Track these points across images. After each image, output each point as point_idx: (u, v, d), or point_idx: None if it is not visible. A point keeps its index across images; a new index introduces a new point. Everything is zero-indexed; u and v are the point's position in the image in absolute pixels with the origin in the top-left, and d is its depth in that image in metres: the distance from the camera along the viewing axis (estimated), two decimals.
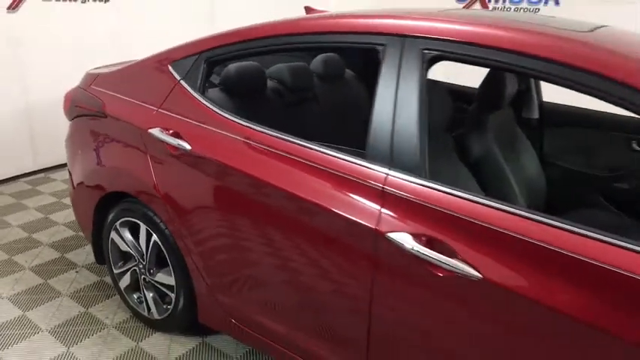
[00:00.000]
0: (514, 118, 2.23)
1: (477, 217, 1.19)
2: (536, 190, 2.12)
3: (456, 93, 2.38)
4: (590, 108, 2.24)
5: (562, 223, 1.11)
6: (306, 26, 1.61)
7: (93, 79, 2.24)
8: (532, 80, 2.31)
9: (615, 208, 2.14)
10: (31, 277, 2.54)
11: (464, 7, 5.12)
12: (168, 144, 1.80)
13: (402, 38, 1.38)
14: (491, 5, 5.11)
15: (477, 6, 5.14)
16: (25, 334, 2.13)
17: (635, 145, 2.21)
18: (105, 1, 4.09)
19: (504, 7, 5.08)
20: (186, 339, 2.13)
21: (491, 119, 1.95)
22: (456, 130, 1.97)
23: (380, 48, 1.41)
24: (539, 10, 4.97)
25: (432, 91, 1.60)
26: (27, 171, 3.85)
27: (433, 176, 1.31)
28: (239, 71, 2.01)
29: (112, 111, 2.05)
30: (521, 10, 5.02)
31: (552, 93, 2.13)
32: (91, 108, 2.15)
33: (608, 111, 1.81)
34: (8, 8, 3.54)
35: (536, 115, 2.40)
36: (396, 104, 1.36)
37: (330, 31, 1.56)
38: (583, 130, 2.33)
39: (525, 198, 1.87)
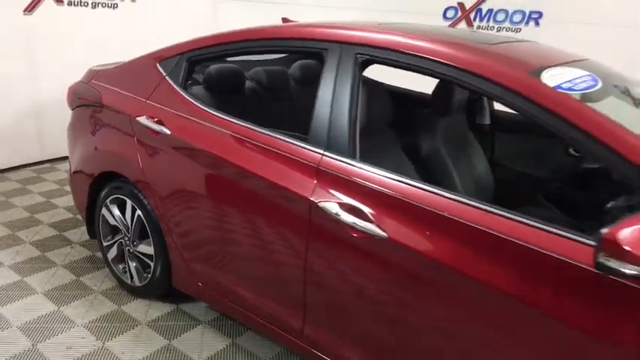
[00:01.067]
0: (466, 124, 2.50)
1: (388, 189, 1.47)
2: (485, 188, 2.38)
3: (419, 99, 2.68)
4: None
5: (450, 194, 1.39)
6: (269, 33, 1.92)
7: (94, 74, 2.56)
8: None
9: (555, 206, 2.41)
10: (31, 250, 2.84)
11: (449, 26, 5.44)
12: (151, 129, 2.10)
13: (340, 45, 1.68)
14: (476, 24, 5.42)
15: (463, 24, 5.45)
16: (22, 295, 2.42)
17: (571, 151, 2.49)
18: (113, 8, 4.45)
19: (488, 26, 5.38)
20: (162, 304, 2.41)
21: (442, 123, 2.22)
22: (412, 130, 2.25)
23: (324, 52, 1.72)
24: (520, 29, 5.26)
25: (376, 94, 1.90)
26: (34, 161, 4.17)
27: (367, 160, 1.58)
28: (218, 72, 2.32)
29: (107, 101, 2.37)
30: (504, 30, 5.32)
31: None
32: (90, 99, 2.47)
33: None
34: (25, 10, 3.89)
35: (487, 121, 2.68)
36: (333, 98, 1.66)
37: (287, 37, 1.87)
38: (530, 136, 2.60)
39: (472, 194, 2.12)
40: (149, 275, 2.34)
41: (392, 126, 2.01)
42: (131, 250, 2.39)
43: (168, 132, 2.04)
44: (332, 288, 1.65)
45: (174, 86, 2.13)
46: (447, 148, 2.20)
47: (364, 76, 1.71)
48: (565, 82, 1.39)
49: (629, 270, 0.98)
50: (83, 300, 2.42)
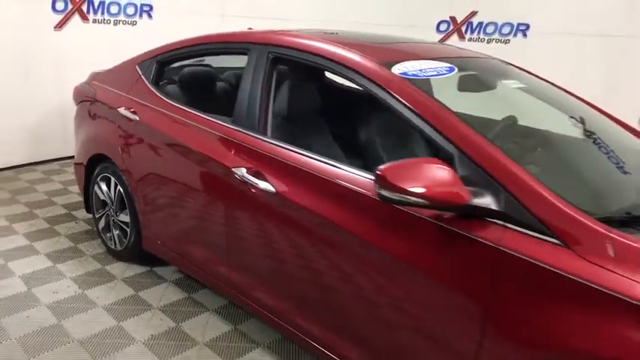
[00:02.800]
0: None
1: (278, 156, 1.88)
2: None
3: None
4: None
5: (320, 158, 1.77)
6: (214, 38, 2.40)
7: (94, 76, 3.11)
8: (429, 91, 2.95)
9: None
10: (42, 223, 3.39)
11: (442, 38, 5.77)
12: (127, 118, 2.59)
13: (258, 45, 2.11)
14: (467, 36, 5.73)
15: (455, 37, 5.77)
16: (27, 255, 2.94)
17: None
18: (133, 25, 5.08)
19: (479, 38, 5.68)
20: (138, 266, 2.87)
21: (377, 115, 2.59)
22: (351, 121, 2.63)
23: (247, 52, 2.15)
24: (509, 41, 5.54)
25: (307, 89, 2.30)
26: (59, 156, 4.80)
27: (293, 142, 1.92)
28: (190, 73, 2.81)
29: (100, 97, 2.89)
30: (494, 42, 5.60)
31: None
32: (88, 95, 3.01)
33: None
34: (55, 27, 4.56)
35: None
36: (250, 88, 2.08)
37: (226, 41, 2.33)
38: None
39: None
40: (126, 240, 2.81)
41: (330, 116, 2.38)
42: (114, 220, 2.87)
43: (138, 119, 2.53)
44: (242, 235, 2.06)
45: (146, 83, 2.62)
46: (383, 139, 2.56)
47: (330, 79, 2.09)
48: (414, 71, 1.76)
49: (387, 193, 1.34)
50: (75, 260, 2.92)
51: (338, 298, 1.76)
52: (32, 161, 4.66)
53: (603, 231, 1.23)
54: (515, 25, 5.48)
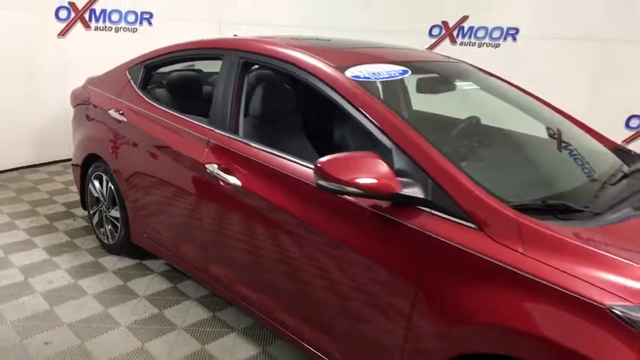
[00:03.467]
0: None
1: (244, 153, 2.04)
2: None
3: None
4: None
5: (279, 153, 1.93)
6: (194, 44, 2.58)
7: (89, 80, 3.32)
8: (399, 91, 3.10)
9: None
10: (43, 220, 3.60)
11: (434, 43, 5.91)
12: (116, 119, 2.79)
13: (230, 51, 2.29)
14: (459, 41, 5.86)
15: (447, 41, 5.91)
16: (26, 249, 3.14)
17: None
18: (133, 32, 5.31)
19: (470, 42, 5.81)
20: (129, 259, 3.06)
21: (330, 115, 2.71)
22: (328, 123, 2.79)
23: (222, 57, 2.33)
24: (499, 45, 5.66)
25: (272, 91, 2.46)
26: (62, 158, 5.02)
27: (266, 141, 2.08)
28: (177, 77, 3.00)
29: (93, 100, 3.09)
30: (485, 45, 5.72)
31: None
32: (83, 99, 3.21)
33: None
34: (59, 35, 4.80)
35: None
36: (224, 90, 2.26)
37: (203, 47, 2.51)
38: None
39: None
40: (117, 235, 3.00)
41: (293, 115, 2.55)
42: (107, 216, 3.07)
43: (126, 120, 2.72)
44: (215, 227, 2.23)
45: (134, 86, 2.81)
46: (336, 135, 2.70)
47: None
48: (367, 74, 1.91)
49: (325, 183, 1.49)
50: (71, 254, 3.11)
51: (292, 280, 1.92)
52: (37, 163, 4.89)
53: (512, 216, 1.38)
54: (505, 30, 5.59)
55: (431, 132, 1.64)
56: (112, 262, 3.04)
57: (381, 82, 2.00)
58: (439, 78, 2.28)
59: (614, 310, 1.16)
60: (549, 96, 5.11)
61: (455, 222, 1.45)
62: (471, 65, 2.60)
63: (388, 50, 2.41)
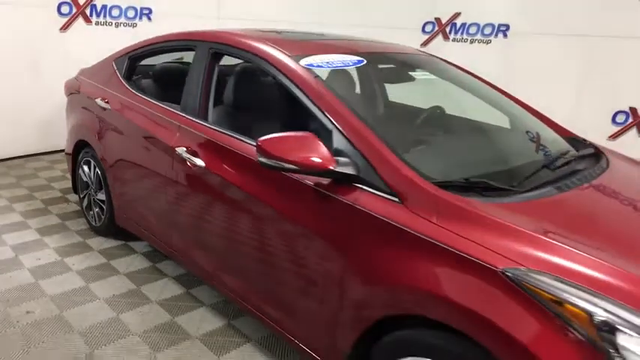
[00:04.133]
0: None
1: (207, 136, 2.19)
2: None
3: None
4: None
5: (238, 136, 2.08)
6: (170, 36, 2.74)
7: (81, 72, 3.49)
8: (376, 83, 3.22)
9: None
10: (38, 204, 3.79)
11: (427, 39, 6.00)
12: (102, 107, 2.96)
13: (201, 42, 2.44)
14: (451, 37, 5.94)
15: (440, 37, 6.00)
16: (19, 229, 3.33)
17: None
18: (133, 27, 5.49)
19: (462, 38, 5.89)
20: (114, 240, 3.23)
21: (285, 100, 2.80)
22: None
23: (194, 48, 2.48)
24: (490, 41, 5.73)
25: (246, 79, 2.60)
26: (63, 147, 5.22)
27: (218, 121, 2.27)
28: (162, 68, 3.16)
29: (83, 90, 3.27)
30: (476, 42, 5.80)
31: None
32: (74, 88, 3.39)
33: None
34: (60, 29, 5.00)
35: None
36: (195, 78, 2.41)
37: (179, 39, 2.66)
38: None
39: None
40: (104, 216, 3.17)
41: (255, 100, 2.64)
42: (94, 199, 3.24)
43: (110, 108, 2.89)
44: (184, 205, 2.38)
45: (119, 76, 2.98)
46: (288, 118, 2.79)
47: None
48: (320, 63, 2.05)
49: (265, 160, 1.63)
50: (61, 234, 3.30)
51: (245, 252, 2.07)
52: (40, 151, 5.10)
53: (430, 191, 1.51)
54: (497, 26, 5.67)
55: (374, 117, 1.77)
56: (98, 242, 3.22)
57: (359, 75, 2.13)
58: (395, 68, 2.40)
59: (506, 273, 1.28)
60: (538, 91, 5.22)
61: (381, 196, 1.58)
62: (434, 56, 2.72)
63: (350, 42, 2.53)
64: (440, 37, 6.00)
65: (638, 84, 4.68)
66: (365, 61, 2.19)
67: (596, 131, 5.01)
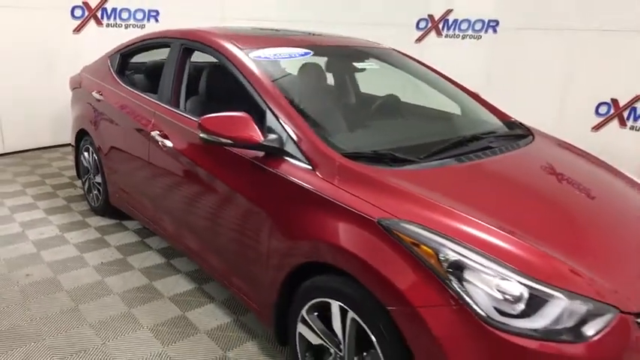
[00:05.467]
0: None
1: (175, 120, 2.51)
2: None
3: None
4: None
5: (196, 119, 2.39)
6: (152, 35, 3.08)
7: (84, 68, 3.88)
8: (347, 75, 3.47)
9: None
10: (48, 189, 4.21)
11: (420, 36, 6.22)
12: (97, 99, 3.32)
13: (175, 39, 2.76)
14: (444, 33, 6.14)
15: (433, 34, 6.20)
16: (29, 209, 3.74)
17: None
18: (141, 28, 5.89)
19: (454, 34, 6.08)
20: (110, 219, 3.60)
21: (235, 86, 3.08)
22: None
23: (170, 44, 2.81)
24: (481, 36, 5.91)
25: (210, 71, 2.90)
26: None
27: (190, 110, 2.60)
28: (152, 64, 3.51)
29: (83, 84, 3.65)
30: (467, 38, 5.98)
31: None
32: (77, 83, 3.78)
33: None
34: (74, 31, 5.44)
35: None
36: (170, 71, 2.73)
37: (158, 37, 3.00)
38: None
39: None
40: (101, 197, 3.55)
41: (225, 91, 2.92)
42: (93, 182, 3.62)
43: (102, 99, 3.25)
44: (159, 182, 2.71)
45: (112, 71, 3.34)
46: (236, 102, 3.07)
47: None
48: (267, 55, 2.34)
49: (205, 136, 1.93)
50: (64, 214, 3.69)
51: (198, 213, 2.39)
52: (55, 144, 5.56)
53: (336, 159, 1.78)
54: (487, 22, 5.84)
55: (309, 101, 2.07)
56: (95, 220, 3.59)
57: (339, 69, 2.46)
58: (342, 60, 2.67)
59: (380, 223, 1.55)
60: (526, 84, 5.37)
61: (299, 166, 1.86)
62: (388, 48, 2.98)
63: (305, 37, 2.81)
64: (433, 33, 6.20)
65: (621, 76, 4.79)
66: (312, 53, 2.47)
67: (580, 122, 5.15)
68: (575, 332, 1.37)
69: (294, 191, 1.84)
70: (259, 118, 2.02)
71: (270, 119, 2.01)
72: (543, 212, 1.73)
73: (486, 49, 5.87)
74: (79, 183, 4.33)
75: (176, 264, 2.99)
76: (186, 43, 2.69)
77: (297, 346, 1.91)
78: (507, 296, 1.39)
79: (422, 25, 6.25)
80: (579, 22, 5.06)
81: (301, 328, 1.86)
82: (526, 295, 1.39)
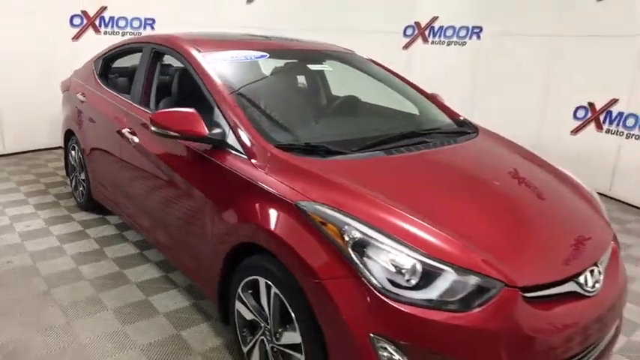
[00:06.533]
0: None
1: (139, 116, 2.71)
2: None
3: None
4: None
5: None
6: (129, 41, 3.29)
7: (74, 72, 4.12)
8: (318, 77, 3.61)
9: None
10: (41, 187, 4.44)
11: (407, 42, 6.38)
12: (81, 100, 3.55)
13: (146, 44, 2.98)
14: (430, 39, 6.30)
15: (420, 40, 6.36)
16: (19, 205, 3.96)
17: None
18: (138, 35, 6.15)
19: (440, 40, 6.23)
20: (94, 214, 3.80)
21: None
22: None
23: (142, 48, 3.02)
24: (465, 43, 6.05)
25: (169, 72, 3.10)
26: None
27: (155, 106, 2.80)
28: (132, 69, 3.72)
29: (71, 87, 3.89)
30: (452, 44, 6.13)
31: None
32: (66, 86, 4.02)
33: None
34: (73, 38, 5.71)
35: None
36: (141, 73, 2.94)
37: (133, 43, 3.22)
38: None
39: None
40: (85, 193, 3.76)
41: (188, 91, 3.10)
42: (79, 179, 3.84)
43: (85, 100, 3.47)
44: (128, 175, 2.91)
45: (95, 75, 3.56)
46: (193, 100, 3.27)
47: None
48: (224, 57, 2.53)
49: (156, 129, 2.12)
50: (52, 209, 3.91)
51: (153, 200, 2.59)
52: (53, 146, 5.80)
53: (268, 150, 1.96)
54: (470, 28, 6.00)
55: (257, 100, 2.26)
56: (80, 215, 3.80)
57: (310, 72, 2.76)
58: (297, 62, 2.86)
59: (297, 205, 1.71)
60: (508, 88, 5.48)
61: (238, 156, 2.04)
62: (350, 52, 3.16)
63: (268, 41, 3.00)
64: (420, 40, 6.36)
65: (597, 80, 4.89)
66: (268, 56, 2.66)
67: (560, 126, 5.25)
68: (463, 303, 1.52)
69: (233, 179, 2.02)
70: (209, 114, 2.20)
71: (216, 114, 2.20)
72: (450, 198, 1.88)
73: (471, 55, 6.02)
74: (68, 182, 4.57)
75: (148, 255, 3.18)
76: (155, 47, 2.90)
77: (236, 323, 2.07)
78: (402, 270, 1.54)
79: (409, 32, 6.42)
80: (558, 28, 5.17)
81: (238, 306, 2.02)
82: (420, 269, 1.54)
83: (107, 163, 3.23)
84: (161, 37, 2.90)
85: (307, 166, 1.89)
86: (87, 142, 3.50)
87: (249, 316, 1.98)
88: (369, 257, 1.57)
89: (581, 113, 5.10)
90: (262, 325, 1.92)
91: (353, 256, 1.57)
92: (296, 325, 1.72)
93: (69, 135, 3.94)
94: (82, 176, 3.74)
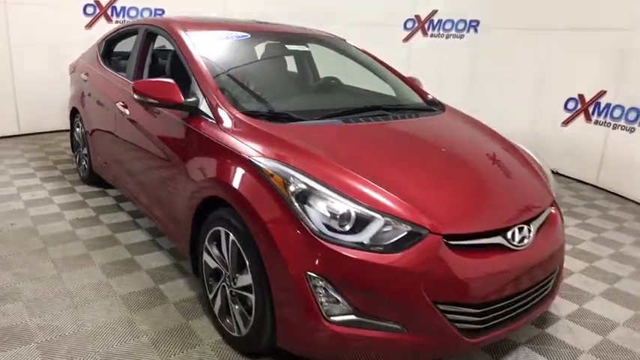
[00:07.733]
0: None
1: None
2: None
3: None
4: None
5: None
6: (127, 24, 3.53)
7: (81, 55, 4.39)
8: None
9: None
10: (50, 164, 4.73)
11: (408, 35, 6.52)
12: (84, 80, 3.81)
13: (141, 25, 3.21)
14: (429, 32, 6.43)
15: (419, 33, 6.49)
16: (28, 178, 4.25)
17: None
18: None
19: (439, 34, 6.36)
20: (96, 188, 4.07)
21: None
22: None
23: (137, 30, 3.26)
24: (463, 36, 6.17)
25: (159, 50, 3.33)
26: None
27: None
28: None
29: (77, 68, 4.16)
30: (451, 37, 6.25)
31: None
32: (73, 68, 4.29)
33: None
34: (86, 27, 6.01)
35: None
36: (136, 51, 3.17)
37: (131, 25, 3.46)
38: None
39: None
40: (87, 167, 4.03)
41: (176, 66, 3.31)
42: (81, 154, 4.10)
43: (87, 79, 3.73)
44: (123, 145, 3.14)
45: (98, 56, 3.82)
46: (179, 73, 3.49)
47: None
48: (208, 36, 2.75)
49: (137, 97, 2.34)
50: (57, 182, 4.19)
51: (139, 164, 2.82)
52: (66, 128, 6.10)
53: (234, 114, 2.16)
54: (468, 22, 6.11)
55: (225, 71, 2.47)
56: (82, 188, 4.07)
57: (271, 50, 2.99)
58: (279, 44, 3.07)
59: (251, 160, 1.92)
60: (504, 80, 5.59)
61: (209, 121, 2.25)
62: (334, 37, 3.35)
63: (253, 25, 3.21)
64: (419, 32, 6.50)
65: (587, 72, 4.97)
66: (249, 36, 2.86)
67: (552, 117, 5.34)
68: (391, 246, 1.70)
69: (203, 142, 2.23)
70: (188, 85, 2.42)
71: (193, 84, 2.41)
72: (396, 160, 2.06)
73: (468, 47, 6.14)
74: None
75: (140, 222, 3.42)
76: (148, 28, 3.13)
77: (204, 273, 2.28)
78: (337, 216, 1.73)
79: (409, 25, 6.56)
80: (552, 21, 5.26)
81: (205, 257, 2.23)
82: (354, 215, 1.72)
83: (104, 136, 3.48)
84: (154, 20, 3.14)
85: (267, 129, 2.09)
86: (88, 118, 3.76)
87: (213, 264, 2.19)
88: (309, 205, 1.76)
89: (571, 105, 5.18)
90: (224, 272, 2.12)
91: (295, 204, 1.76)
92: (248, 268, 1.92)
93: (74, 113, 4.21)
94: (85, 151, 4.00)
